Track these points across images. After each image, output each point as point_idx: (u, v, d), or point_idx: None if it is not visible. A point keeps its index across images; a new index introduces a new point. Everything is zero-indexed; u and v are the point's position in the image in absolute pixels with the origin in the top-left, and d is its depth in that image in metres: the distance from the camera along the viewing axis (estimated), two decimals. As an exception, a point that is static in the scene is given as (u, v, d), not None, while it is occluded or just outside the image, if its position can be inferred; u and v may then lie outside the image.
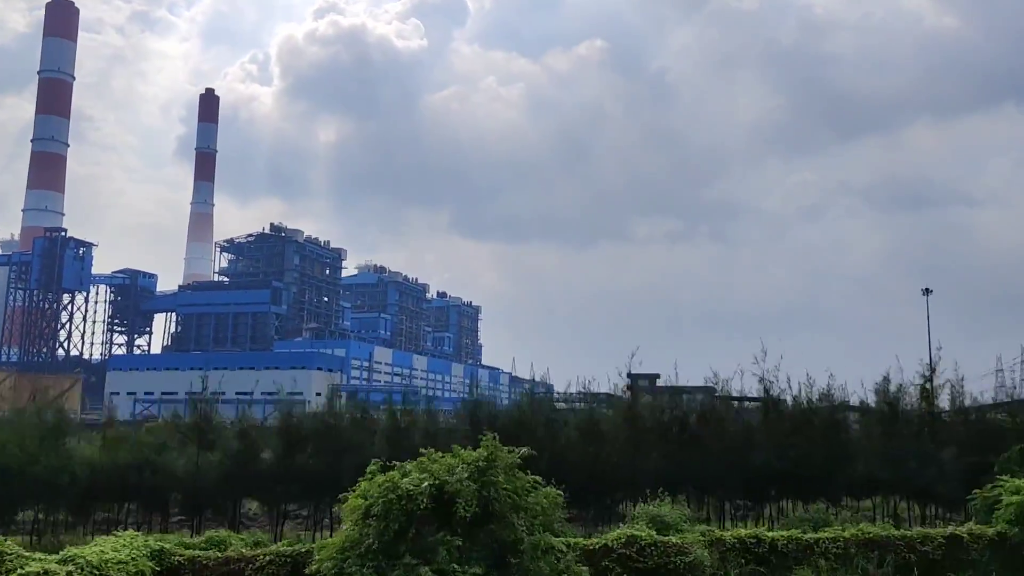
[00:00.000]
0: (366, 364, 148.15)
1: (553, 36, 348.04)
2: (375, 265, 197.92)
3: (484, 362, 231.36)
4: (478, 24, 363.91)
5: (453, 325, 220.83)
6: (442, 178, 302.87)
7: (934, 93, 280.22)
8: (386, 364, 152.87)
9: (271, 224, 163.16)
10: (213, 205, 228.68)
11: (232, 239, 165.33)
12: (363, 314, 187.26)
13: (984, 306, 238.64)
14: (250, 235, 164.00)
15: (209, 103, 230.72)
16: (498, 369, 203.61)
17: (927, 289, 70.70)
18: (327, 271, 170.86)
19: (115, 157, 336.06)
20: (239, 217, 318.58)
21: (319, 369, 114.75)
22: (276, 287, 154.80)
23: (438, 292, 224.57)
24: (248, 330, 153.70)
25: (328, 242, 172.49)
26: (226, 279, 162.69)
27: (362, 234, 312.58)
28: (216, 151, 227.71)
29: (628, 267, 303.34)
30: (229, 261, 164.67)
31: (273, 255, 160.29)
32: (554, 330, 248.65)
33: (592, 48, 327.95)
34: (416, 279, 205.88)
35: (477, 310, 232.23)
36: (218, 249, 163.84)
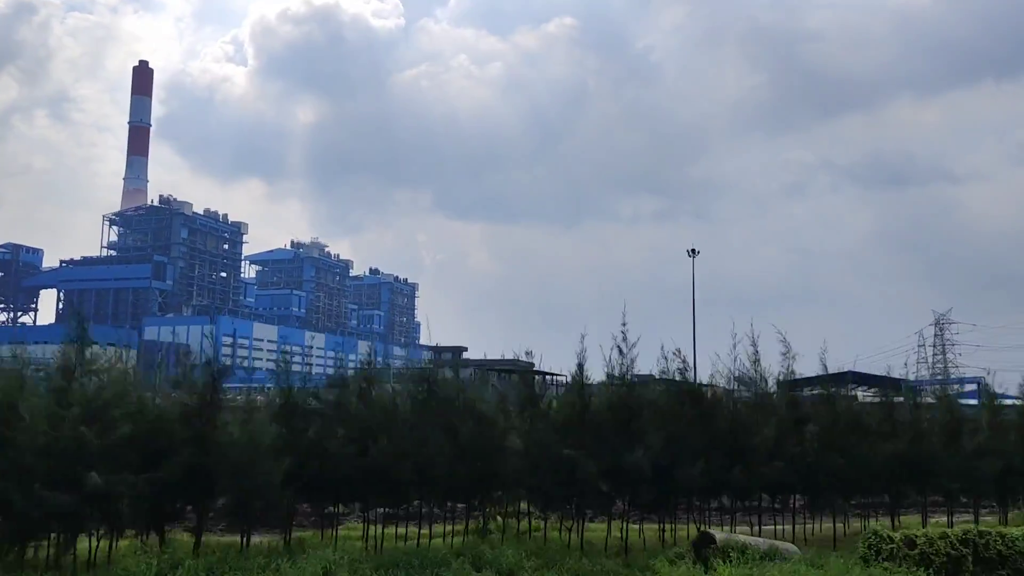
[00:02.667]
0: (244, 342, 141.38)
1: (537, 14, 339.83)
2: (292, 241, 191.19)
3: (422, 341, 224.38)
4: (461, 2, 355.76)
5: (385, 303, 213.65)
6: (422, 158, 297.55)
7: (913, 70, 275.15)
8: (269, 341, 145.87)
9: (159, 196, 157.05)
10: (147, 181, 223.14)
11: (121, 212, 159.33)
12: (273, 291, 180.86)
13: (970, 282, 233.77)
14: (139, 208, 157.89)
15: (142, 76, 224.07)
16: (425, 347, 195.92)
17: (693, 250, 64.13)
18: (225, 245, 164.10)
19: (111, 138, 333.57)
20: (221, 198, 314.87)
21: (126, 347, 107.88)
22: (158, 261, 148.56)
23: (369, 269, 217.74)
24: (129, 306, 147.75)
25: (227, 215, 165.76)
26: (115, 253, 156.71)
27: (347, 215, 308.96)
28: (150, 125, 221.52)
29: (617, 246, 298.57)
30: (119, 235, 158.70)
31: (161, 228, 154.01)
32: (545, 310, 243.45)
33: (570, 26, 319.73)
34: (338, 255, 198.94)
35: (413, 287, 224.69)
36: (107, 222, 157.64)
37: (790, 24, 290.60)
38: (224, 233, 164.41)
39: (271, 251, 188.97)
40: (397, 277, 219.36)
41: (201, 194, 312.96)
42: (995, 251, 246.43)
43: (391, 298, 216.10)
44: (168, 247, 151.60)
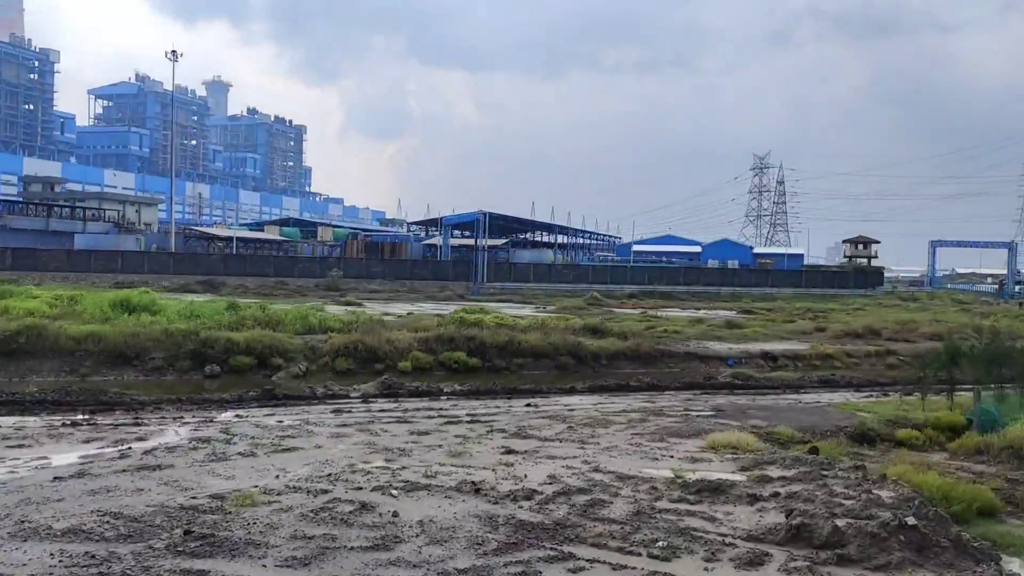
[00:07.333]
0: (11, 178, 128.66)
1: None
2: (137, 74, 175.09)
3: (314, 188, 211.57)
4: None
5: (262, 146, 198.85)
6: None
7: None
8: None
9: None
10: (23, 9, 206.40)
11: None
12: (103, 129, 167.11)
13: (968, 137, 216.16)
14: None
15: None
16: (282, 194, 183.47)
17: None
18: (32, 75, 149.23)
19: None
20: (186, 40, 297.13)
21: None
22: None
23: (247, 108, 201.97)
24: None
25: (30, 40, 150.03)
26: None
27: (323, 59, 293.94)
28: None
29: (602, 98, 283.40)
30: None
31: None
32: (536, 163, 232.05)
33: None
34: (193, 91, 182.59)
35: (300, 130, 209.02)
36: None
37: None
38: (31, 61, 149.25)
39: (114, 84, 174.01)
40: (278, 117, 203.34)
41: (168, 39, 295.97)
42: (990, 105, 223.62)
43: (270, 141, 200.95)
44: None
